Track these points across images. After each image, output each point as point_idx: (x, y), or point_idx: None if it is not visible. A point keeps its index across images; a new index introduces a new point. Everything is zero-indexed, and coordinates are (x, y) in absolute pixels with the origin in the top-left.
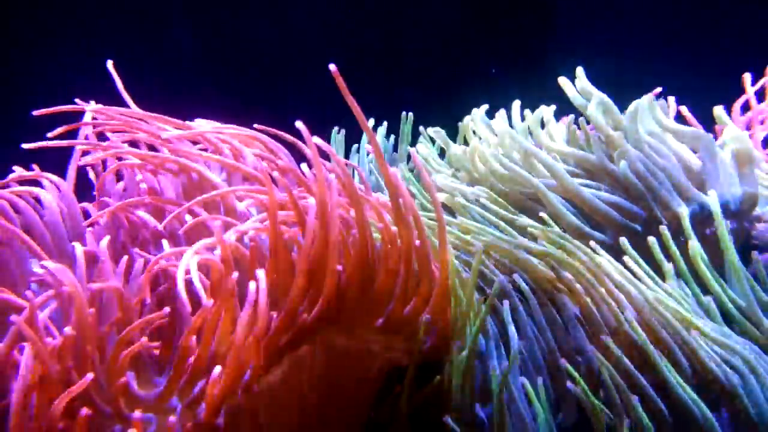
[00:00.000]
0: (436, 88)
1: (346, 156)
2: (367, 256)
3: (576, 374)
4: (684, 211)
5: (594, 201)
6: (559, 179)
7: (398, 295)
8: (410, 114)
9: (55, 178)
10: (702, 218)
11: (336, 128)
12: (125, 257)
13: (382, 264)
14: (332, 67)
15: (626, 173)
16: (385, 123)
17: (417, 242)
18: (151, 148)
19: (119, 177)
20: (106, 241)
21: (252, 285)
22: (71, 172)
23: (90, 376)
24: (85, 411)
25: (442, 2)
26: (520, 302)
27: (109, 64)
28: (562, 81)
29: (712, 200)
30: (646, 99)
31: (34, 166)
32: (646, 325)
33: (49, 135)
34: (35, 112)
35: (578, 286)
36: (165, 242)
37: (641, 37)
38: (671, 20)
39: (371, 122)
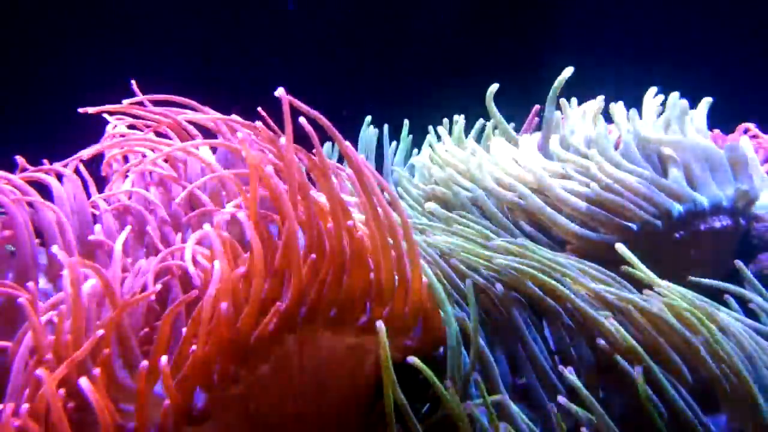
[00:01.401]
0: (436, 89)
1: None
2: (344, 256)
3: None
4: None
5: (585, 207)
6: (549, 192)
7: (379, 291)
8: (406, 121)
9: (64, 170)
10: (695, 214)
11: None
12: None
13: (362, 264)
14: (280, 91)
15: (599, 192)
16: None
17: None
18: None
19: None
20: (121, 241)
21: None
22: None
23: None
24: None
25: (442, 3)
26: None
27: (133, 84)
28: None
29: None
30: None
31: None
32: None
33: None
34: (81, 110)
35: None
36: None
37: (640, 38)
38: (669, 21)
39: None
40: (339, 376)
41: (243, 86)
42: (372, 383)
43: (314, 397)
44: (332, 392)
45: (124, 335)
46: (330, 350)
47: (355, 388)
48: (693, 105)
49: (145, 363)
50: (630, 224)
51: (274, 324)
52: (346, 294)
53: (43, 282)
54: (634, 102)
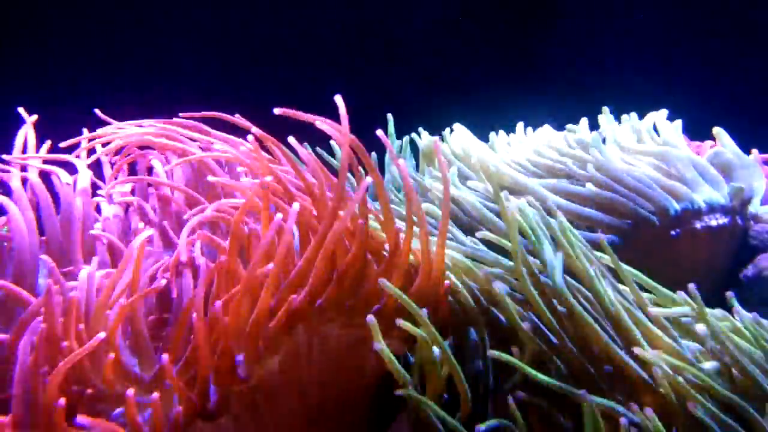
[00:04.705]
0: (436, 89)
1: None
2: (364, 247)
3: None
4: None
5: (578, 209)
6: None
7: (395, 282)
8: (389, 114)
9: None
10: (692, 212)
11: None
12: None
13: (375, 256)
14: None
15: (597, 190)
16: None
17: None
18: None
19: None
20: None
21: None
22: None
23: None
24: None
25: (443, 4)
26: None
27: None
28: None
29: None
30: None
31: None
32: None
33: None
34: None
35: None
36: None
37: (640, 42)
38: (668, 26)
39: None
40: (347, 368)
41: (242, 88)
42: (379, 374)
43: (321, 390)
44: (340, 384)
45: (135, 323)
46: (338, 342)
47: (361, 380)
48: (692, 107)
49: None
50: (626, 221)
51: (287, 316)
52: (364, 287)
53: (42, 277)
54: (633, 108)
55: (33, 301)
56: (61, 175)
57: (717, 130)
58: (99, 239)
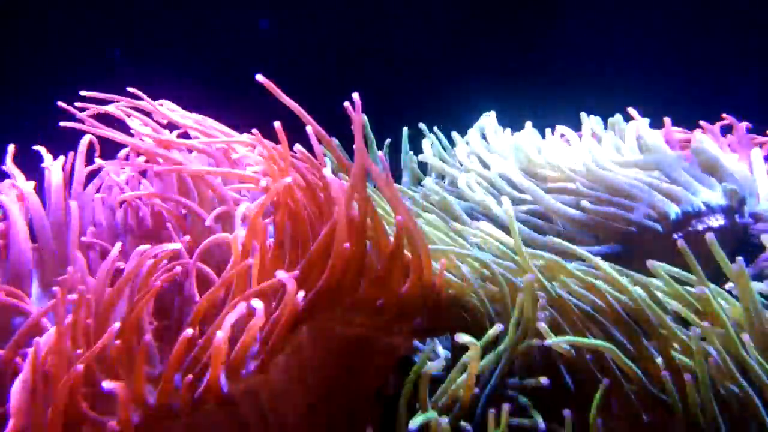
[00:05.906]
0: (436, 88)
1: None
2: (363, 246)
3: None
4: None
5: (584, 217)
6: (544, 206)
7: (394, 278)
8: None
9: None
10: (693, 215)
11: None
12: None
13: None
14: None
15: (597, 199)
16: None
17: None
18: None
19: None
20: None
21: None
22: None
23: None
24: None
25: (443, 3)
26: None
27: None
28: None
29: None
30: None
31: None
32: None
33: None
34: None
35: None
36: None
37: (643, 37)
38: (669, 26)
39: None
40: (350, 368)
41: (238, 88)
42: (381, 373)
43: (326, 390)
44: (343, 385)
45: (141, 325)
46: (341, 342)
47: (365, 381)
48: (693, 101)
49: None
50: (630, 229)
51: (291, 315)
52: (365, 284)
53: (35, 287)
54: (632, 103)
55: (31, 311)
56: (54, 177)
57: (699, 136)
58: (92, 247)
